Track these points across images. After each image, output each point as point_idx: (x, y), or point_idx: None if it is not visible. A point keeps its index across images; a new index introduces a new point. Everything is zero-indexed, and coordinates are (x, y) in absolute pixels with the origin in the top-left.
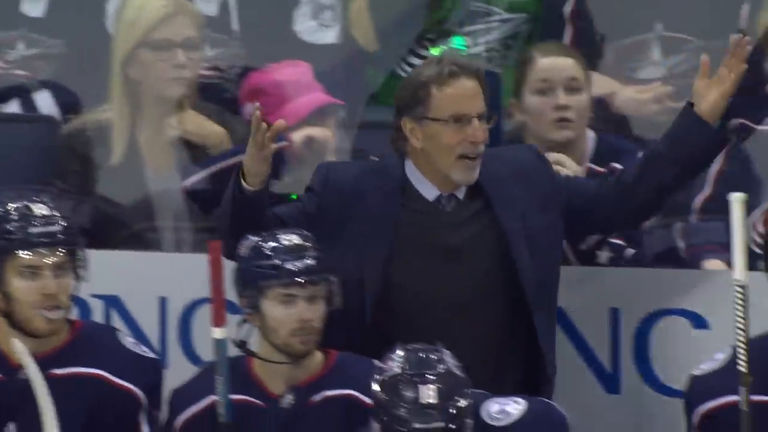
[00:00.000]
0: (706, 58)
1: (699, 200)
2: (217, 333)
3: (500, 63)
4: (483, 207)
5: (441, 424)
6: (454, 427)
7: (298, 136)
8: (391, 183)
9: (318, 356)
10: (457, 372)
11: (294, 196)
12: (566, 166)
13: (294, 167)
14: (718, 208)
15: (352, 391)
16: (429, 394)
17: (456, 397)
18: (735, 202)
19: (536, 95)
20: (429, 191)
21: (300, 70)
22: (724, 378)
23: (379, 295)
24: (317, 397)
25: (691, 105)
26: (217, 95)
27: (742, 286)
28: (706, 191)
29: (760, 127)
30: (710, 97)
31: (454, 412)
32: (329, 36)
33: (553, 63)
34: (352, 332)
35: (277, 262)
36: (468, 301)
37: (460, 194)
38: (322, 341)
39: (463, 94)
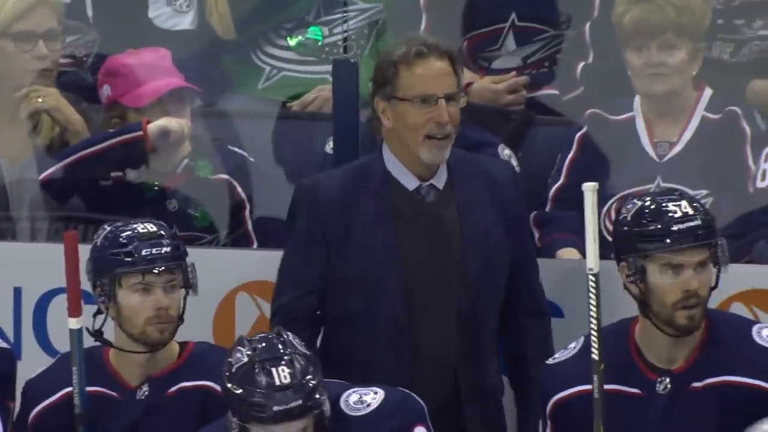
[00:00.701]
0: None
1: (553, 189)
2: (73, 323)
3: (358, 53)
4: (456, 205)
5: (299, 402)
6: (311, 404)
7: (153, 126)
8: (376, 178)
9: (174, 347)
10: (305, 351)
11: (154, 187)
12: None
13: (151, 157)
14: (572, 197)
15: (207, 382)
16: (282, 375)
17: (309, 375)
18: (587, 191)
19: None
20: (408, 181)
21: (159, 55)
22: (576, 367)
23: (402, 291)
24: (173, 389)
25: None
26: (73, 83)
27: (594, 275)
28: (561, 180)
29: (612, 117)
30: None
31: (310, 388)
32: (185, 22)
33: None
34: (377, 334)
35: (131, 249)
36: (449, 292)
37: (440, 184)
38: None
39: (430, 75)
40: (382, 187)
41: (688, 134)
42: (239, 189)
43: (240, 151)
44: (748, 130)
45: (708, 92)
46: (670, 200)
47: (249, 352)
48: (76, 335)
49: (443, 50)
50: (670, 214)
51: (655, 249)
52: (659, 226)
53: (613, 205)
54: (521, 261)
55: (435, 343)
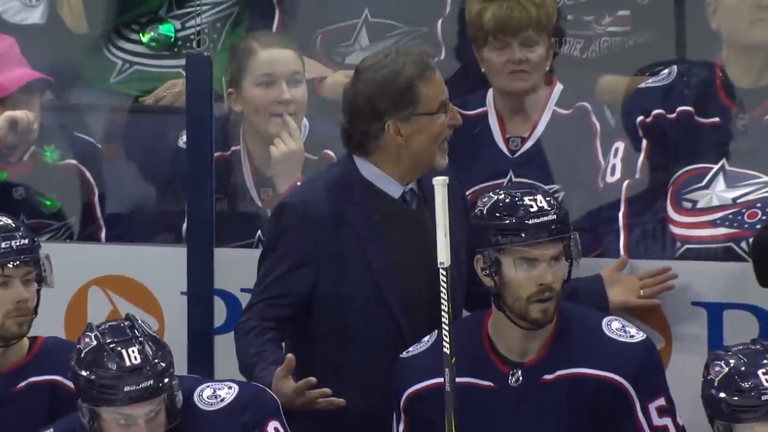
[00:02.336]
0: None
1: None
2: None
3: (211, 47)
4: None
5: (150, 382)
6: (162, 385)
7: (1, 119)
8: (357, 192)
9: (24, 341)
10: (153, 334)
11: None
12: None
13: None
14: None
15: (56, 377)
16: (132, 356)
17: (159, 357)
18: (437, 185)
19: (258, 88)
20: (394, 189)
21: (6, 44)
22: (429, 360)
23: (400, 302)
24: (22, 384)
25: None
26: None
27: (445, 269)
28: None
29: (465, 112)
30: (620, 298)
31: (161, 369)
32: (34, 16)
33: (275, 56)
34: (377, 347)
35: None
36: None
37: (416, 187)
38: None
39: (441, 83)
40: (367, 198)
41: (539, 129)
42: (88, 174)
43: (87, 137)
44: (598, 125)
45: (559, 87)
46: (525, 194)
47: (97, 337)
48: None
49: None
50: (526, 209)
51: (509, 243)
52: (514, 220)
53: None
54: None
55: None
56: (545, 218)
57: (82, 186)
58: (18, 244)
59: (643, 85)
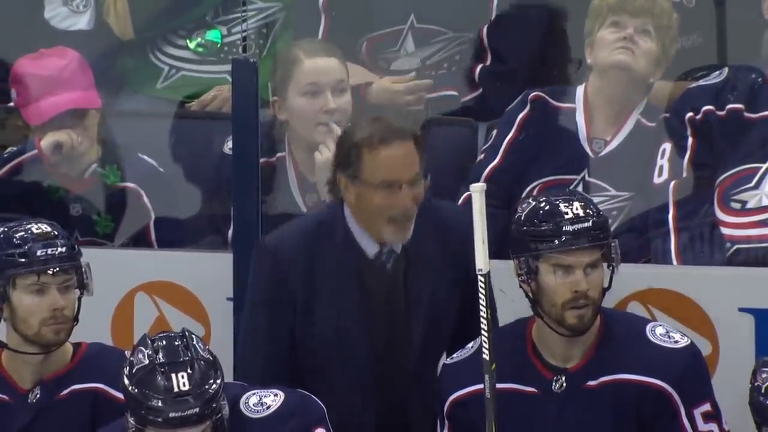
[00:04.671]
0: None
1: (488, 169)
2: None
3: (257, 52)
4: (407, 265)
5: (196, 410)
6: (208, 411)
7: (45, 142)
8: (339, 239)
9: (68, 348)
10: (207, 356)
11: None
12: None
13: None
14: (505, 179)
15: (99, 384)
16: (181, 381)
17: (209, 382)
18: (474, 192)
19: (303, 97)
20: (370, 246)
21: (61, 64)
22: (473, 366)
23: (367, 353)
24: (65, 392)
25: None
26: None
27: (484, 275)
28: (496, 160)
29: (555, 103)
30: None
31: (209, 396)
32: (81, 22)
33: (320, 65)
34: (351, 390)
35: (26, 250)
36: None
37: (398, 247)
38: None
39: (394, 161)
40: (345, 249)
41: (623, 134)
42: (146, 199)
43: (150, 160)
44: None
45: (645, 100)
46: (562, 201)
47: (150, 354)
48: None
49: (407, 133)
50: (562, 215)
51: (545, 249)
52: (550, 227)
53: (535, 190)
54: (465, 315)
55: (394, 396)
56: (581, 225)
57: (139, 209)
58: (56, 251)
59: (693, 84)
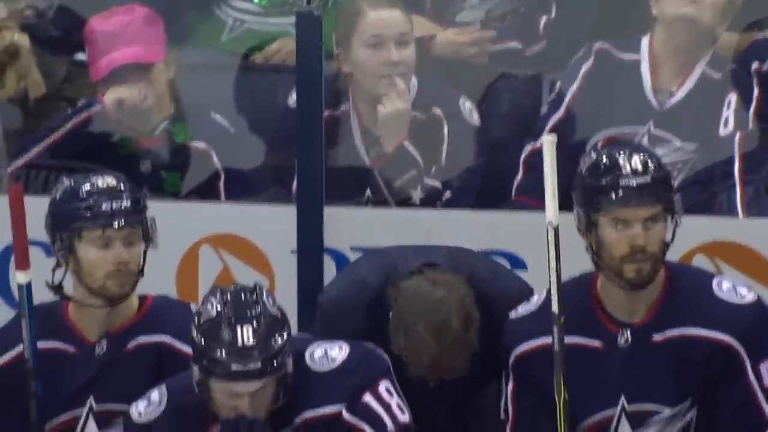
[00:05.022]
0: None
1: (553, 121)
2: (20, 277)
3: (321, 4)
4: None
5: (258, 365)
6: (271, 367)
7: (108, 99)
8: None
9: (134, 301)
10: (275, 312)
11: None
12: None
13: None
14: (570, 130)
15: (165, 338)
16: (246, 335)
17: (274, 337)
18: (545, 143)
19: (366, 49)
20: None
21: (126, 20)
22: (537, 320)
23: None
24: (131, 344)
25: None
26: (35, 37)
27: (554, 228)
28: (561, 113)
29: (619, 55)
30: None
31: (272, 353)
32: None
33: (384, 17)
34: None
35: (91, 203)
36: None
37: None
38: None
39: None
40: None
41: (688, 86)
42: (216, 159)
43: (221, 119)
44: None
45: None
46: (623, 155)
47: (219, 306)
48: (24, 289)
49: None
50: (621, 169)
51: (603, 204)
52: (609, 181)
53: (599, 143)
54: None
55: None
56: (639, 180)
57: (209, 169)
58: (121, 205)
59: (760, 35)
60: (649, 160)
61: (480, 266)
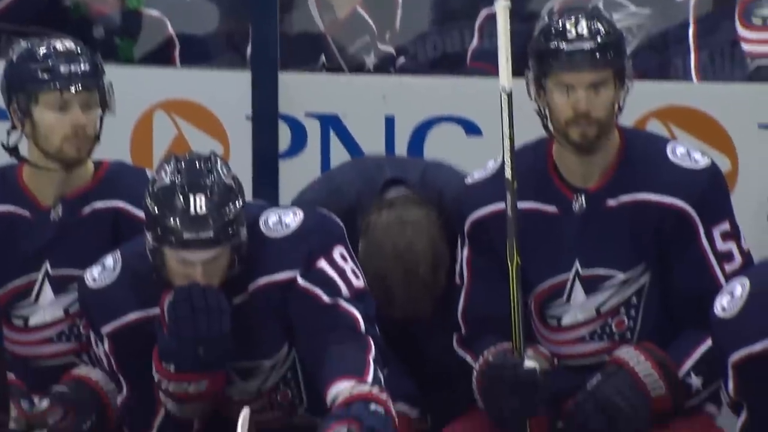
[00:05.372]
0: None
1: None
2: None
3: None
4: None
5: (210, 233)
6: (224, 236)
7: None
8: None
9: (89, 166)
10: (230, 181)
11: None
12: None
13: None
14: None
15: (121, 203)
16: (199, 203)
17: (227, 206)
18: (500, 8)
19: None
20: None
21: None
22: (493, 186)
23: None
24: (86, 209)
25: None
26: None
27: (507, 94)
28: None
29: None
30: None
31: (225, 221)
32: None
33: None
34: None
35: (49, 65)
36: None
37: None
38: None
39: None
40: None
41: None
42: (170, 28)
43: None
44: None
45: None
46: (570, 19)
47: (172, 174)
48: None
49: None
50: (564, 34)
51: (549, 68)
52: (554, 45)
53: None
54: None
55: None
56: (583, 45)
57: (163, 37)
58: (79, 68)
59: None
60: (599, 26)
61: (452, 184)
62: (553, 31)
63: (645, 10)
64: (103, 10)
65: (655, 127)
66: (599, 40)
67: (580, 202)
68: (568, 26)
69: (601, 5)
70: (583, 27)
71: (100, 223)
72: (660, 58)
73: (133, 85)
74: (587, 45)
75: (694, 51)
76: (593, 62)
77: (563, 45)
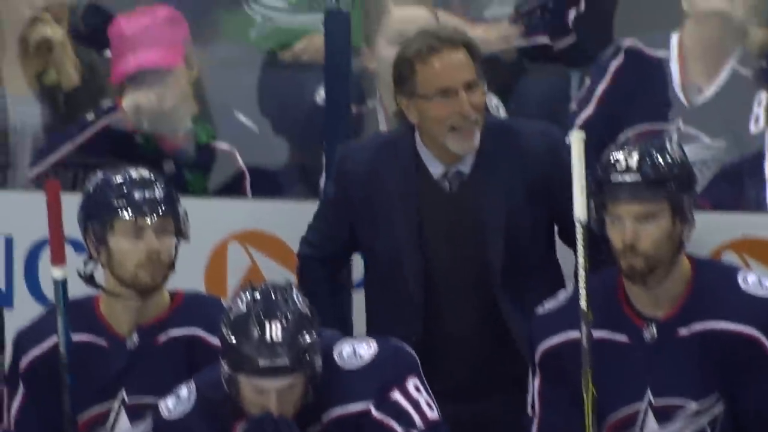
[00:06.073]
0: None
1: (581, 119)
2: (56, 272)
3: (349, 2)
4: (479, 191)
5: (286, 361)
6: (299, 364)
7: (126, 105)
8: (404, 159)
9: (165, 296)
10: (304, 309)
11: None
12: None
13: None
14: (596, 130)
15: (197, 331)
16: (275, 331)
17: (303, 335)
18: (574, 140)
19: (392, 46)
20: (435, 167)
21: (146, 22)
22: (565, 315)
23: (423, 271)
24: (162, 337)
25: None
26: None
27: (582, 224)
28: (589, 111)
29: (649, 52)
30: None
31: (301, 349)
32: None
33: (408, 14)
34: (398, 308)
35: (123, 193)
36: (472, 279)
37: (466, 167)
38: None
39: (446, 68)
40: (409, 168)
41: (718, 83)
42: (240, 160)
43: (245, 119)
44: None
45: (741, 47)
46: (625, 150)
47: (249, 302)
48: (60, 284)
49: (456, 40)
50: (614, 164)
51: (601, 198)
52: (605, 176)
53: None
54: (564, 224)
55: (456, 329)
56: (627, 177)
57: (234, 169)
58: (153, 195)
59: None
60: (656, 158)
61: None
62: (606, 161)
63: (720, 142)
64: (174, 144)
65: (730, 258)
66: (650, 172)
67: (651, 331)
68: (621, 157)
69: (675, 137)
70: (634, 159)
71: (175, 351)
72: (735, 189)
73: (207, 217)
74: (634, 177)
75: None
76: (639, 194)
77: (613, 176)
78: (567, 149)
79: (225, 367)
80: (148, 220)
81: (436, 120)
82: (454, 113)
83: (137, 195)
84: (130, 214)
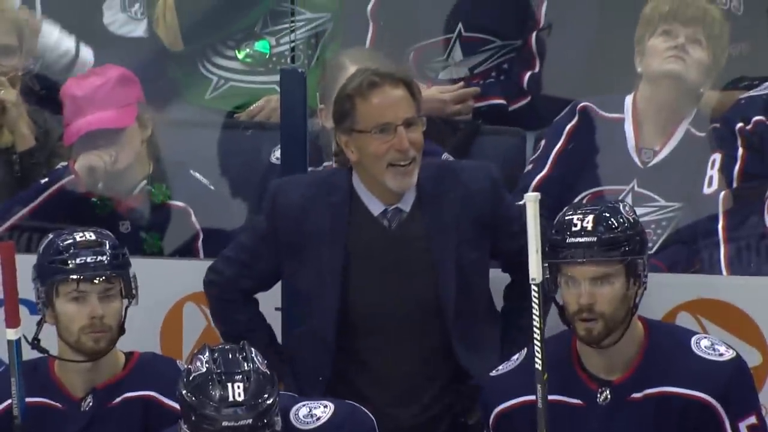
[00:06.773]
0: None
1: (537, 179)
2: (10, 334)
3: (305, 63)
4: (424, 229)
5: (249, 421)
6: (261, 424)
7: (79, 165)
8: (337, 196)
9: (119, 357)
10: (265, 370)
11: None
12: None
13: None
14: (554, 189)
15: (152, 392)
16: (237, 392)
17: (264, 395)
18: (528, 201)
19: None
20: (374, 205)
21: (97, 83)
22: (519, 378)
23: (339, 311)
24: (117, 400)
25: None
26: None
27: (537, 285)
28: (545, 170)
29: (603, 113)
30: None
31: (263, 409)
32: (139, 30)
33: None
34: (319, 349)
35: (67, 257)
36: (405, 317)
37: (406, 206)
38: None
39: (386, 103)
40: (342, 205)
41: (672, 145)
42: (194, 219)
43: (201, 177)
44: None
45: (695, 109)
46: (579, 213)
47: (208, 363)
48: (13, 345)
49: (397, 77)
50: (570, 227)
51: (553, 259)
52: (559, 238)
53: (584, 200)
54: (513, 258)
55: (393, 370)
56: (583, 239)
57: (188, 228)
58: (97, 260)
59: (744, 94)
60: (610, 220)
61: None
62: (560, 223)
63: (675, 203)
64: (129, 204)
65: (685, 320)
66: (604, 234)
67: (605, 395)
68: (575, 220)
69: (630, 199)
70: (589, 221)
71: (130, 412)
72: (689, 251)
73: (163, 278)
74: (587, 239)
75: (724, 244)
76: (594, 256)
77: (567, 238)
78: (504, 186)
79: (184, 429)
80: (92, 285)
81: (374, 156)
82: (392, 150)
83: (81, 258)
84: (74, 278)
